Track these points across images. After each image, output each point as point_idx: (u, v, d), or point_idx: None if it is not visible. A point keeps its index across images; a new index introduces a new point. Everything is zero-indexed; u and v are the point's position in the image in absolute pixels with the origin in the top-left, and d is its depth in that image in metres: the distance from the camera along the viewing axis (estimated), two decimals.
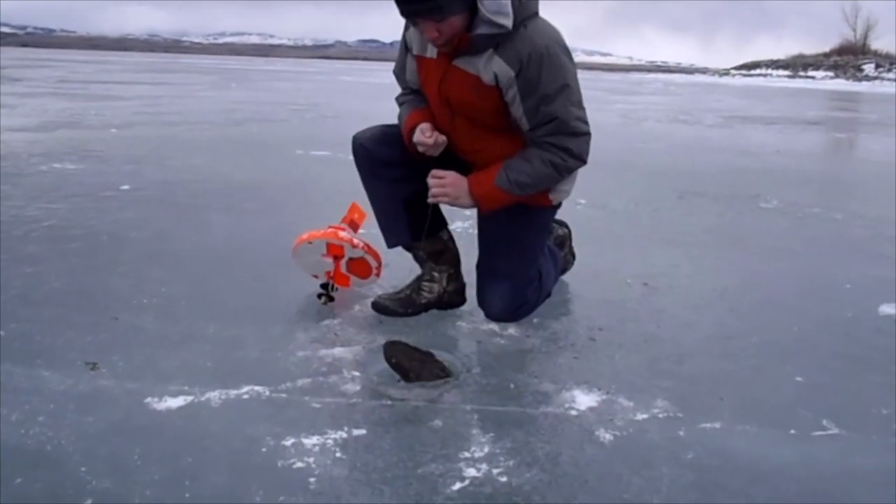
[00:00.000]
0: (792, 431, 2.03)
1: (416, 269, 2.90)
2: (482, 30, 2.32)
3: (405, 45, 2.68)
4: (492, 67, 2.39)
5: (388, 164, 2.72)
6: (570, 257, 3.28)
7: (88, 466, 1.74)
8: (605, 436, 1.96)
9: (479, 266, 2.80)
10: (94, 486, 1.67)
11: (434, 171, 2.55)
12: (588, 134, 2.49)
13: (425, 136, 2.53)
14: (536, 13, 2.43)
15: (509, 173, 2.48)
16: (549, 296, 2.94)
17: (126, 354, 2.35)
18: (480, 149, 2.59)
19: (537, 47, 2.35)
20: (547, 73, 2.36)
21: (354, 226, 2.99)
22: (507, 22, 2.30)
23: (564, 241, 3.24)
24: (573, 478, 1.77)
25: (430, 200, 2.57)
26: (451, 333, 2.65)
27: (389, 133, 2.77)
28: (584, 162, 2.52)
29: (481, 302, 2.78)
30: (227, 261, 3.44)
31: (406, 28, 2.60)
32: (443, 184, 2.53)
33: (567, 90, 2.41)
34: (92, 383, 2.16)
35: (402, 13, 2.36)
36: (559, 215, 2.92)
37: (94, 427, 1.92)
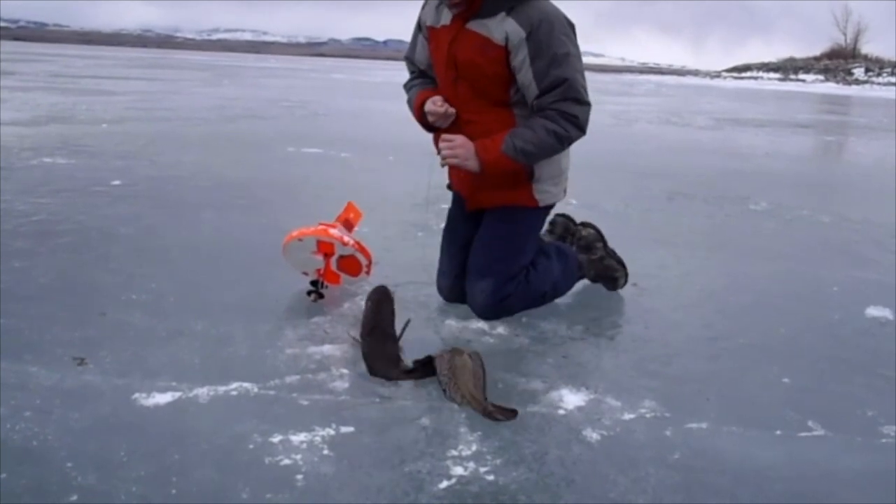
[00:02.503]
0: (778, 432, 2.04)
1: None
2: None
3: (418, 26, 2.83)
4: (504, 27, 2.51)
5: None
6: (613, 262, 3.13)
7: (74, 462, 1.73)
8: (593, 435, 1.97)
9: (467, 269, 2.81)
10: (79, 481, 1.66)
11: (444, 136, 2.65)
12: (590, 105, 2.60)
13: (437, 105, 2.65)
14: None
15: (515, 141, 2.55)
16: (556, 296, 2.93)
17: (114, 350, 2.35)
18: (476, 119, 2.66)
19: (548, 14, 2.52)
20: (557, 37, 2.51)
21: (349, 225, 2.98)
22: None
23: (592, 245, 3.12)
24: (560, 477, 1.78)
25: (441, 163, 2.67)
26: (440, 333, 2.65)
27: None
28: (583, 131, 2.62)
29: (468, 298, 2.79)
30: (217, 257, 3.43)
31: (422, 7, 2.78)
32: (453, 146, 2.61)
33: (574, 58, 2.55)
34: (79, 379, 2.15)
35: None
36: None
37: (80, 423, 1.91)
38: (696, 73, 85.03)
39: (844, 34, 69.73)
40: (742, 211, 5.24)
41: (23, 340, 2.40)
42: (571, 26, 2.59)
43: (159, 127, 8.79)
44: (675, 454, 1.90)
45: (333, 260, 2.87)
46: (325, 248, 2.84)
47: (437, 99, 2.68)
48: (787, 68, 66.41)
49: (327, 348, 2.44)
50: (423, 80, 2.88)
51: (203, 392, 2.10)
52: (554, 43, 2.50)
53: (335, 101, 15.50)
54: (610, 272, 3.12)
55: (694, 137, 11.08)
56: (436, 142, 2.75)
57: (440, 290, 2.94)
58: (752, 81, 61.20)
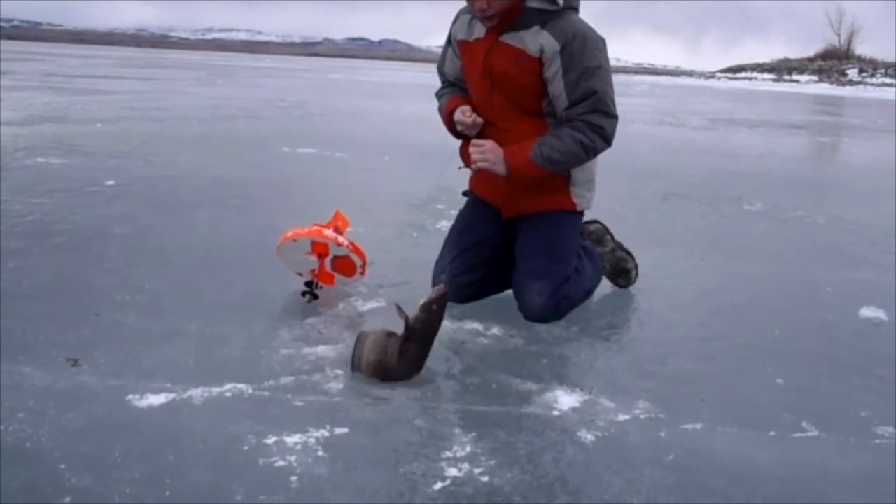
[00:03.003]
0: (772, 433, 2.05)
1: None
2: (534, 3, 2.59)
3: (449, 41, 2.94)
4: (539, 39, 2.62)
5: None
6: (625, 254, 3.19)
7: (68, 464, 1.73)
8: (587, 436, 1.97)
9: (516, 273, 2.83)
10: (73, 483, 1.66)
11: (474, 140, 2.74)
12: (617, 118, 2.70)
13: (465, 115, 2.76)
14: (578, 10, 2.71)
15: (542, 148, 2.64)
16: (590, 294, 2.97)
17: (108, 351, 2.34)
18: (511, 128, 2.74)
19: (581, 29, 2.63)
20: (589, 51, 2.62)
21: (338, 233, 2.97)
22: (560, 1, 2.59)
23: (602, 238, 3.18)
24: (554, 478, 1.78)
25: (471, 167, 2.79)
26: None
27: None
28: (609, 144, 2.71)
29: (521, 303, 2.79)
30: (212, 258, 3.43)
31: (453, 23, 2.88)
32: (483, 150, 2.70)
33: (604, 72, 2.65)
34: (73, 380, 2.14)
35: None
36: None
37: (74, 424, 1.91)
38: (690, 73, 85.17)
39: (838, 35, 69.93)
40: (736, 211, 5.25)
41: (17, 341, 2.39)
42: (602, 42, 2.69)
43: (154, 126, 8.77)
44: (669, 455, 1.90)
45: (328, 260, 2.87)
46: (319, 248, 2.83)
47: (466, 108, 2.78)
48: (782, 69, 66.54)
49: (322, 349, 2.44)
50: (453, 89, 2.97)
51: (197, 393, 2.09)
52: (586, 56, 2.60)
53: (331, 101, 15.49)
54: (623, 264, 3.18)
55: (688, 138, 11.10)
56: (463, 149, 2.87)
57: (437, 280, 2.89)
58: (747, 82, 61.34)
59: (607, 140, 2.68)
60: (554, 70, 2.62)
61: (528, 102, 2.73)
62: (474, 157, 2.71)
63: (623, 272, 3.18)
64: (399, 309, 2.25)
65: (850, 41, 69.21)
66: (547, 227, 2.83)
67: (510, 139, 2.70)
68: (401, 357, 2.23)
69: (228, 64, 44.32)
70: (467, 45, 2.80)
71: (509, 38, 2.66)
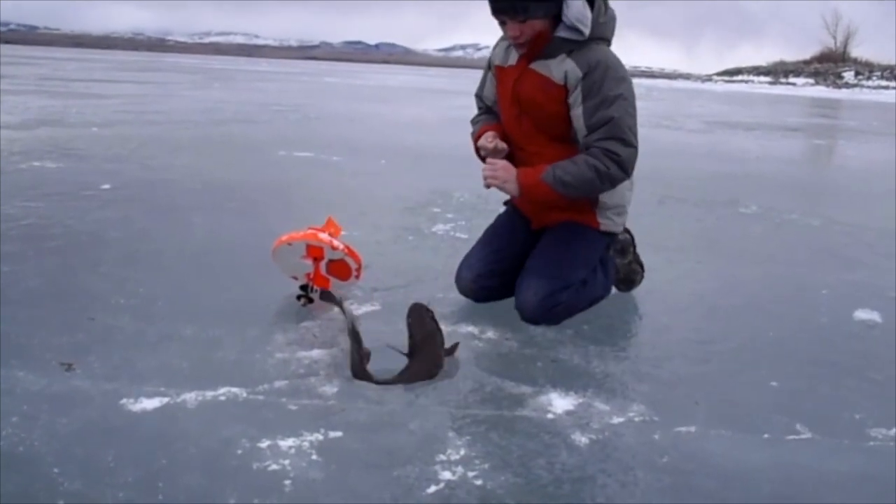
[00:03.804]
0: (766, 436, 2.05)
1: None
2: (561, 33, 2.65)
3: (488, 66, 3.02)
4: (563, 67, 2.68)
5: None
6: (637, 266, 3.23)
7: (61, 468, 1.73)
8: (581, 439, 1.97)
9: (521, 271, 2.84)
10: (66, 487, 1.66)
11: (488, 160, 2.80)
12: (636, 149, 2.71)
13: (488, 141, 2.82)
14: (608, 41, 2.77)
15: (555, 170, 2.67)
16: (594, 304, 2.94)
17: (102, 355, 2.34)
18: (538, 152, 2.80)
19: (606, 59, 2.68)
20: (610, 80, 2.65)
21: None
22: (585, 30, 2.63)
23: (626, 249, 3.18)
24: (548, 481, 1.77)
25: (484, 184, 2.79)
26: None
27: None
28: (626, 174, 2.72)
29: (517, 300, 2.80)
30: (207, 261, 3.43)
31: (493, 49, 2.97)
32: (494, 169, 2.75)
33: (625, 102, 2.67)
34: (67, 384, 2.14)
35: (492, 10, 2.66)
36: None
37: (67, 428, 1.90)
38: (687, 76, 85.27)
39: (834, 38, 70.10)
40: (732, 214, 5.26)
41: (10, 345, 2.39)
42: (628, 77, 2.74)
43: (150, 130, 8.77)
44: (663, 458, 1.90)
45: (323, 264, 2.87)
46: (314, 252, 2.83)
47: (489, 135, 2.84)
48: (778, 72, 66.62)
49: (316, 353, 2.44)
50: (487, 116, 3.03)
51: (191, 397, 2.09)
52: (606, 85, 2.64)
53: (327, 105, 15.50)
54: (632, 275, 3.20)
55: (685, 141, 11.11)
56: None
57: (459, 280, 2.95)
58: (743, 85, 61.41)
59: (623, 168, 2.67)
60: (575, 96, 2.68)
61: (555, 128, 2.78)
62: (485, 173, 2.77)
63: (629, 281, 3.20)
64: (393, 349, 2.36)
65: (846, 44, 69.39)
66: (565, 233, 2.87)
67: (537, 163, 2.75)
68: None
69: (225, 67, 44.34)
70: (502, 70, 2.88)
71: (538, 66, 2.73)
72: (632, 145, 2.68)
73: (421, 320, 2.37)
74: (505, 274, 2.89)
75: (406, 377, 2.26)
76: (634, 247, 3.22)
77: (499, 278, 2.89)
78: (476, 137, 2.94)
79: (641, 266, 3.24)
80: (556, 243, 2.86)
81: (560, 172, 2.66)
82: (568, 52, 2.67)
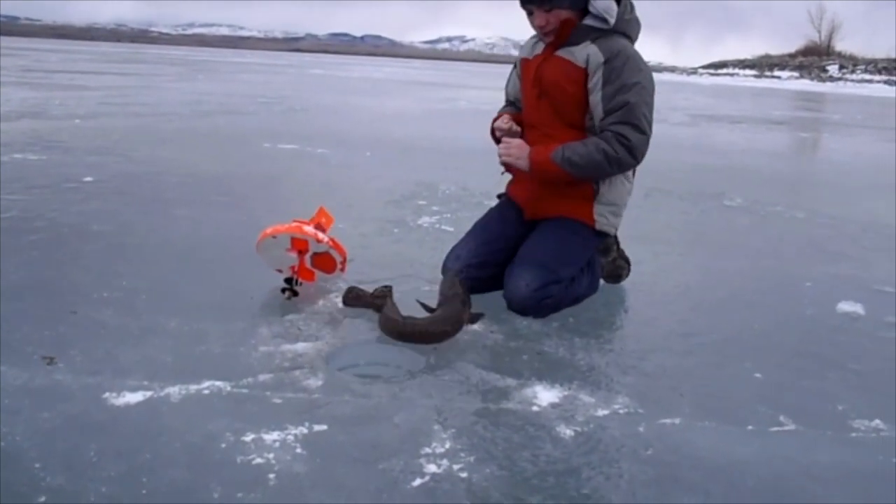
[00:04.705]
0: (750, 427, 2.05)
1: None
2: (588, 22, 2.76)
3: (514, 64, 3.16)
4: (586, 51, 2.76)
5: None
6: (623, 262, 3.24)
7: (43, 462, 1.71)
8: (566, 432, 1.97)
9: (512, 261, 2.85)
10: (48, 482, 1.64)
11: (505, 138, 2.89)
12: (648, 137, 2.76)
13: (504, 122, 2.94)
14: (632, 38, 2.85)
15: (565, 150, 2.74)
16: (578, 302, 2.93)
17: (84, 349, 2.32)
18: (554, 134, 2.85)
19: (627, 48, 2.78)
20: (630, 68, 2.73)
21: (321, 229, 2.96)
22: (611, 20, 2.75)
23: (609, 248, 3.18)
24: (532, 474, 1.77)
25: (500, 161, 2.91)
26: None
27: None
28: (635, 159, 2.77)
29: (506, 290, 2.79)
30: (191, 254, 3.41)
31: (522, 47, 3.11)
32: (509, 146, 2.85)
33: (643, 90, 2.74)
34: (49, 378, 2.12)
35: (520, 1, 2.79)
36: None
37: (49, 422, 1.89)
38: (673, 69, 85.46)
39: (819, 31, 70.53)
40: (717, 207, 5.28)
41: None
42: (650, 72, 2.80)
43: (133, 122, 8.71)
44: (648, 450, 1.91)
45: (308, 257, 2.86)
46: (299, 244, 2.82)
47: (505, 117, 2.96)
48: (763, 65, 66.94)
49: (301, 346, 2.42)
50: (509, 108, 3.16)
51: (175, 391, 2.07)
52: (626, 72, 2.72)
53: (312, 97, 15.44)
54: (618, 271, 3.22)
55: (671, 134, 11.13)
56: None
57: (446, 271, 2.92)
58: (729, 78, 61.71)
59: (633, 154, 2.73)
60: (595, 80, 2.75)
61: (572, 113, 2.83)
62: (500, 150, 2.87)
63: (615, 276, 3.22)
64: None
65: (830, 37, 69.81)
66: (560, 229, 2.89)
67: (552, 144, 2.80)
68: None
69: (209, 59, 44.08)
70: (527, 61, 2.98)
71: (562, 53, 2.82)
72: (644, 132, 2.74)
73: (452, 283, 2.64)
74: (492, 267, 2.88)
75: (429, 321, 2.49)
76: (618, 244, 3.23)
77: (485, 271, 2.89)
78: (493, 121, 3.04)
79: (627, 261, 3.26)
80: (550, 237, 2.87)
81: (569, 153, 2.73)
82: (592, 39, 2.76)
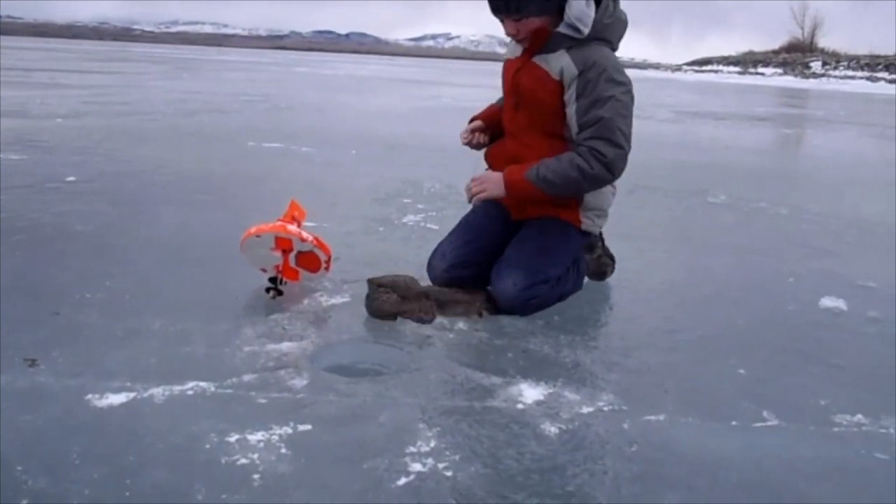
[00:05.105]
0: (734, 423, 2.07)
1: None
2: (561, 30, 2.67)
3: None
4: (561, 62, 2.70)
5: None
6: (608, 259, 3.26)
7: (25, 465, 1.70)
8: (551, 429, 1.97)
9: (499, 260, 2.85)
10: (30, 485, 1.63)
11: (473, 176, 2.85)
12: (625, 151, 2.68)
13: (463, 136, 3.05)
14: (612, 43, 2.76)
15: (539, 168, 2.70)
16: (562, 300, 2.93)
17: (67, 350, 2.30)
18: (532, 144, 2.82)
19: (603, 59, 2.68)
20: (605, 81, 2.65)
21: (296, 223, 2.95)
22: (585, 29, 2.65)
23: (594, 245, 3.21)
24: (517, 472, 1.78)
25: (471, 200, 2.85)
26: (399, 327, 2.64)
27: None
28: (611, 174, 2.70)
29: (494, 289, 2.80)
30: (175, 254, 3.39)
31: (508, 45, 3.01)
32: (481, 181, 2.82)
33: (618, 103, 2.66)
34: (30, 380, 2.10)
35: (490, 9, 2.70)
36: None
37: (31, 425, 1.87)
38: (657, 66, 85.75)
39: (802, 28, 71.00)
40: (701, 203, 5.30)
41: None
42: (627, 81, 2.71)
43: (116, 121, 8.66)
44: (632, 446, 1.91)
45: (292, 256, 2.85)
46: (283, 244, 2.81)
47: (473, 126, 3.04)
48: (747, 62, 67.30)
49: (286, 346, 2.42)
50: (497, 104, 3.13)
51: (159, 392, 2.06)
52: (600, 85, 2.64)
53: (297, 95, 15.38)
54: (603, 268, 3.24)
55: (655, 130, 11.16)
56: (488, 152, 3.04)
57: (431, 269, 2.94)
58: (713, 75, 62.00)
59: (609, 169, 2.67)
60: (570, 94, 2.70)
61: (550, 123, 2.79)
62: (473, 187, 2.82)
63: (600, 273, 3.24)
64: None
65: (813, 34, 70.29)
66: (547, 228, 2.88)
67: (530, 154, 2.78)
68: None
69: (193, 57, 43.86)
70: (508, 63, 2.93)
71: (539, 60, 2.76)
72: (620, 147, 2.66)
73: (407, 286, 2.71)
74: (478, 265, 2.88)
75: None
76: (602, 242, 3.25)
77: (471, 269, 2.89)
78: (470, 121, 3.07)
79: (611, 258, 3.28)
80: (538, 236, 2.86)
81: (544, 171, 2.68)
82: (567, 48, 2.69)
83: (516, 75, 2.83)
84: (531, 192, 2.73)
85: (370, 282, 2.69)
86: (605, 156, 2.65)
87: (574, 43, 2.69)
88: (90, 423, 1.91)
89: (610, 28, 2.74)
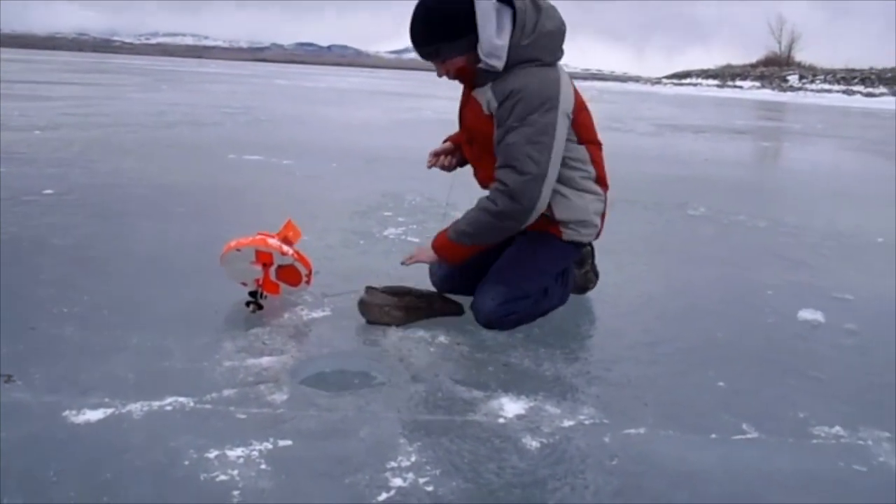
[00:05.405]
0: (713, 436, 2.08)
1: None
2: (481, 66, 2.61)
3: None
4: (486, 96, 2.66)
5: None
6: (593, 275, 3.28)
7: (1, 482, 1.68)
8: (532, 443, 1.98)
9: (487, 274, 2.85)
10: (5, 503, 1.61)
11: (404, 259, 2.91)
12: (532, 175, 2.56)
13: (430, 155, 3.06)
14: (540, 59, 2.62)
15: (458, 224, 2.72)
16: (545, 315, 2.93)
17: (44, 366, 2.28)
18: (488, 175, 2.74)
19: (522, 85, 2.56)
20: (519, 108, 2.56)
21: (287, 243, 2.93)
22: (498, 64, 2.57)
23: (585, 260, 3.22)
24: (498, 486, 1.78)
25: (404, 262, 2.90)
26: (381, 342, 2.63)
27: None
28: (519, 203, 2.59)
29: (473, 303, 2.80)
30: (154, 268, 3.37)
31: None
32: (412, 256, 2.88)
33: (529, 128, 2.56)
34: (7, 396, 2.08)
35: (418, 54, 2.68)
36: None
37: (7, 442, 1.85)
38: (637, 79, 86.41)
39: (779, 42, 71.83)
40: (681, 216, 5.34)
41: None
42: (548, 99, 2.58)
43: (95, 133, 8.60)
44: (613, 460, 1.92)
45: (272, 270, 2.84)
46: (263, 257, 2.80)
47: (437, 150, 3.04)
48: (725, 75, 67.95)
49: (266, 360, 2.40)
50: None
51: (137, 407, 2.05)
52: (515, 113, 2.56)
53: (278, 107, 15.35)
54: (587, 283, 3.26)
55: (635, 144, 11.24)
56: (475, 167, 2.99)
57: (432, 274, 3.03)
58: (692, 88, 62.56)
59: (514, 198, 2.57)
60: (494, 126, 2.66)
61: (494, 150, 2.72)
62: (407, 262, 2.88)
63: (583, 288, 3.26)
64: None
65: (790, 48, 71.11)
66: (528, 242, 2.85)
67: (491, 181, 2.73)
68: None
69: (173, 69, 43.70)
70: (464, 90, 2.85)
71: (476, 93, 2.73)
72: (524, 172, 2.55)
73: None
74: (471, 276, 2.90)
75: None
76: (593, 258, 3.27)
77: (463, 281, 2.93)
78: (443, 142, 3.07)
79: (597, 275, 3.30)
80: (520, 251, 2.86)
81: (460, 223, 2.70)
82: (493, 80, 2.63)
83: (462, 110, 2.84)
84: (455, 249, 2.73)
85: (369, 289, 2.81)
86: (507, 185, 2.57)
87: (496, 75, 2.61)
88: (67, 439, 1.89)
89: (532, 46, 2.60)
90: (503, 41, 2.56)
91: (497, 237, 2.73)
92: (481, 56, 2.57)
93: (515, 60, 2.59)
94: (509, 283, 2.77)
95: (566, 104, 2.64)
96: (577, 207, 2.79)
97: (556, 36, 2.66)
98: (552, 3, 2.72)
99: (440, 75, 2.73)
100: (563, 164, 2.68)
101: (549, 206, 2.73)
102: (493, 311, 2.73)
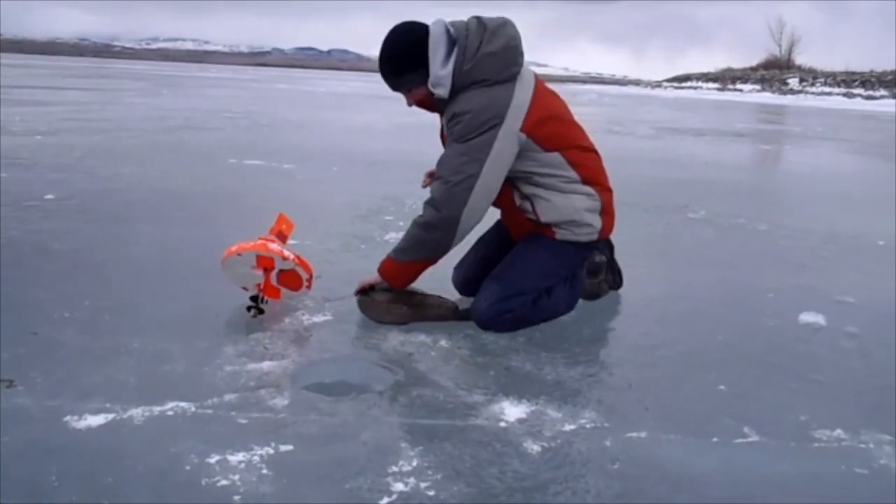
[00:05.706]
0: (714, 439, 2.07)
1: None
2: (434, 95, 2.71)
3: None
4: (443, 122, 2.77)
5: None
6: (605, 285, 3.29)
7: (2, 488, 1.68)
8: (533, 447, 1.97)
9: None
10: None
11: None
12: (455, 183, 2.62)
13: (425, 175, 3.09)
14: (487, 80, 2.65)
15: (398, 243, 2.80)
16: (553, 318, 2.93)
17: (45, 371, 2.28)
18: None
19: (461, 110, 2.65)
20: (458, 129, 2.64)
21: (283, 237, 2.95)
22: (443, 92, 2.68)
23: (599, 269, 3.25)
24: (500, 490, 1.78)
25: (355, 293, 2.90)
26: (382, 346, 2.63)
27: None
28: (439, 211, 2.65)
29: (471, 306, 2.84)
30: (155, 273, 3.37)
31: None
32: (361, 281, 2.90)
33: (461, 145, 2.63)
34: (8, 401, 2.08)
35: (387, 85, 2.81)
36: None
37: (8, 447, 1.85)
38: (637, 82, 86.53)
39: (779, 45, 71.83)
40: (681, 219, 5.34)
41: None
42: (486, 118, 2.61)
43: (96, 138, 8.61)
44: (614, 463, 1.92)
45: (273, 274, 2.84)
46: (264, 262, 2.80)
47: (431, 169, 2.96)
48: (726, 78, 67.90)
49: (267, 365, 2.41)
50: None
51: (138, 412, 2.05)
52: (454, 135, 2.66)
53: (278, 112, 15.37)
54: (598, 291, 3.28)
55: (635, 147, 11.25)
56: None
57: (453, 277, 3.14)
58: (692, 91, 62.57)
59: (437, 207, 2.65)
60: None
61: None
62: (359, 288, 2.89)
63: (593, 295, 3.26)
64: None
65: (790, 51, 71.13)
66: (526, 243, 2.90)
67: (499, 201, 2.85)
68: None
69: (174, 74, 43.76)
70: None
71: (441, 119, 2.82)
72: (448, 181, 2.63)
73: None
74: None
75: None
76: (611, 271, 3.31)
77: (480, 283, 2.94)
78: None
79: (610, 287, 3.33)
80: (517, 252, 2.89)
81: (400, 243, 2.78)
82: (449, 104, 2.72)
83: (443, 135, 2.87)
84: (395, 268, 2.79)
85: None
86: (432, 195, 2.69)
87: (447, 101, 2.72)
88: (68, 444, 1.89)
89: (476, 69, 2.64)
90: (446, 70, 2.66)
91: (431, 252, 2.74)
92: (430, 86, 2.69)
93: (460, 85, 2.67)
94: (503, 282, 2.79)
95: (514, 121, 2.65)
96: (562, 208, 2.80)
97: (501, 54, 2.67)
98: (505, 17, 2.75)
99: (409, 105, 2.86)
100: (538, 174, 2.76)
101: (535, 211, 2.81)
102: (486, 311, 2.75)
